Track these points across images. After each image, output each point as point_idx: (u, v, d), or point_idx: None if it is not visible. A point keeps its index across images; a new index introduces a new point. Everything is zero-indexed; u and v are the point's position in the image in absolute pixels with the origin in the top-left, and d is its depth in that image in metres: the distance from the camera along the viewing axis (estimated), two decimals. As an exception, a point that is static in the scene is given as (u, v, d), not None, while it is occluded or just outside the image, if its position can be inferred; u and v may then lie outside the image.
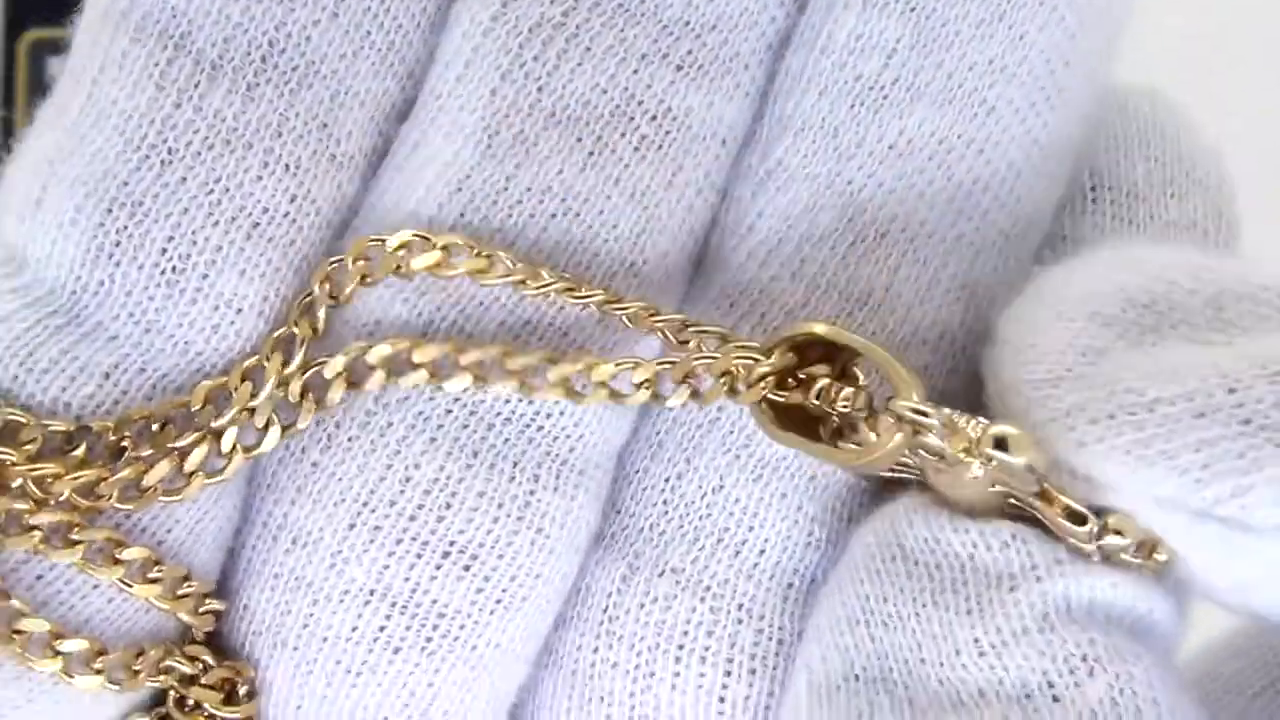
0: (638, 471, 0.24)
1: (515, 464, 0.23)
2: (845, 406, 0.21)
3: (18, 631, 0.22)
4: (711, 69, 0.23)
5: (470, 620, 0.23)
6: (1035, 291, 0.21)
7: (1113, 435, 0.19)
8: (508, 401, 0.23)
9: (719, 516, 0.23)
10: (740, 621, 0.23)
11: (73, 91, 0.22)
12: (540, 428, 0.23)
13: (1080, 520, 0.20)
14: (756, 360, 0.22)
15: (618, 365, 0.22)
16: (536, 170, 0.22)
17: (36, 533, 0.21)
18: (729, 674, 0.23)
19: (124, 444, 0.22)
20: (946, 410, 0.20)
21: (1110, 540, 0.20)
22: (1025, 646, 0.20)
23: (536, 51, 0.22)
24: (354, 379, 0.22)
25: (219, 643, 0.24)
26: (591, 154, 0.23)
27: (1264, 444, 0.18)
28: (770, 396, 0.22)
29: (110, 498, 0.22)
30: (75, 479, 0.21)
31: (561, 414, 0.23)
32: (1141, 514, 0.19)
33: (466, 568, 0.23)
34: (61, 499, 0.22)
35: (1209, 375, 0.19)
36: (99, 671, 0.22)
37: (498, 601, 0.23)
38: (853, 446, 0.22)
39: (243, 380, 0.22)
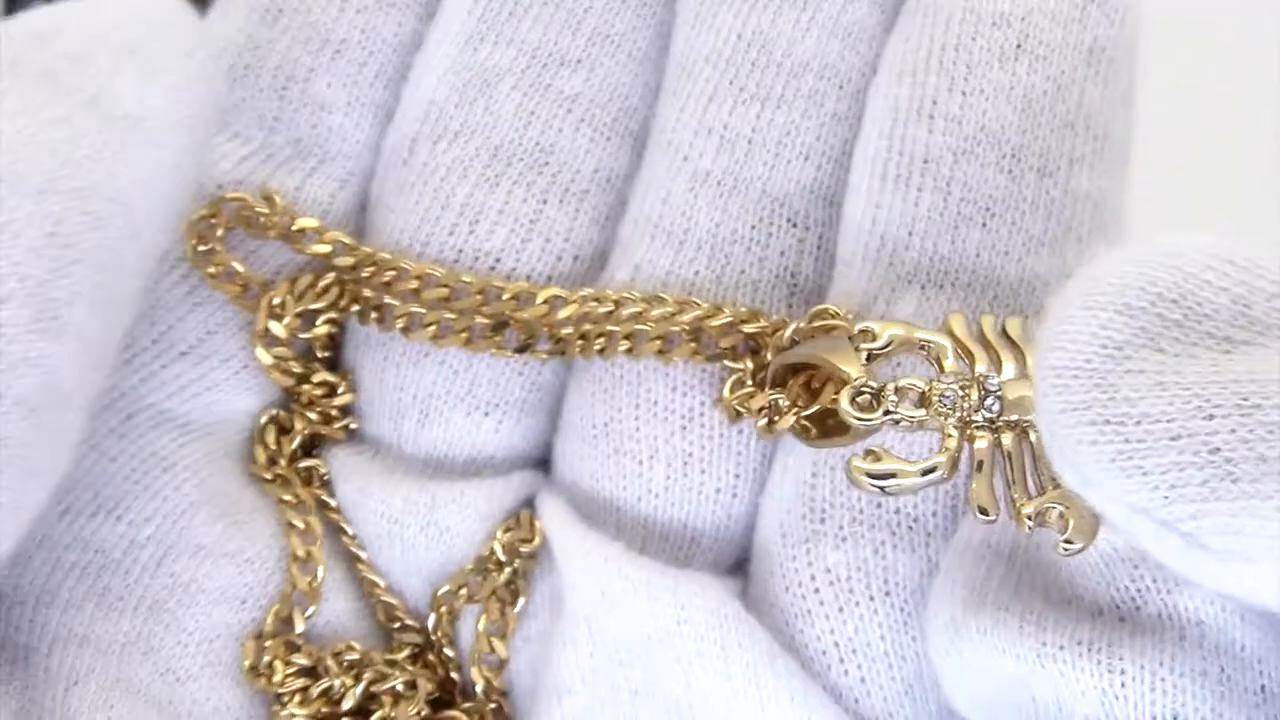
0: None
1: (527, 188, 0.30)
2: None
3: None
4: None
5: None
6: (1080, 276, 0.22)
7: (1104, 441, 0.21)
8: (522, 143, 0.30)
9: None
10: None
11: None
12: (546, 163, 0.30)
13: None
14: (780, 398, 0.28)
15: None
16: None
17: None
18: None
19: None
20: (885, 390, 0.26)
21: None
22: None
23: None
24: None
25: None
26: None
27: (1224, 476, 0.20)
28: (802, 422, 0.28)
29: None
30: None
31: (564, 149, 0.30)
32: (1118, 514, 0.21)
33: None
34: None
35: (1191, 399, 0.20)
36: None
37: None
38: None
39: None
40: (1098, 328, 0.21)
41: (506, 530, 0.30)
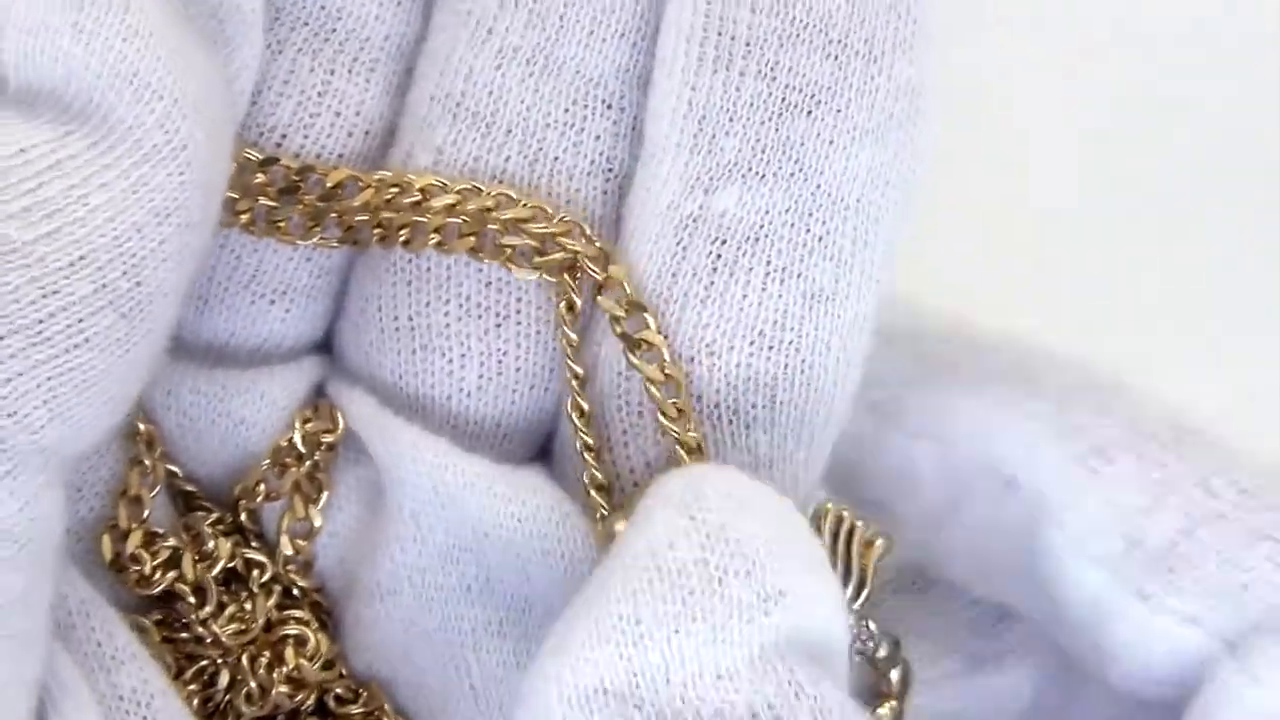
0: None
1: (313, 56, 0.27)
2: None
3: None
4: None
5: None
6: None
7: None
8: (306, 6, 0.27)
9: None
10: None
11: None
12: (333, 29, 0.27)
13: None
14: None
15: None
16: None
17: None
18: None
19: None
20: None
21: None
22: (751, 675, 0.23)
23: None
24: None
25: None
26: None
27: None
28: None
29: None
30: None
31: (352, 15, 0.27)
32: None
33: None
34: None
35: None
36: None
37: None
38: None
39: None
40: None
41: (306, 420, 0.28)
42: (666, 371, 0.27)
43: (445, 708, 0.28)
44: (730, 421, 0.27)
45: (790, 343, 0.27)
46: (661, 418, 0.27)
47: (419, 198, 0.27)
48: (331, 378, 0.29)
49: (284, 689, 0.28)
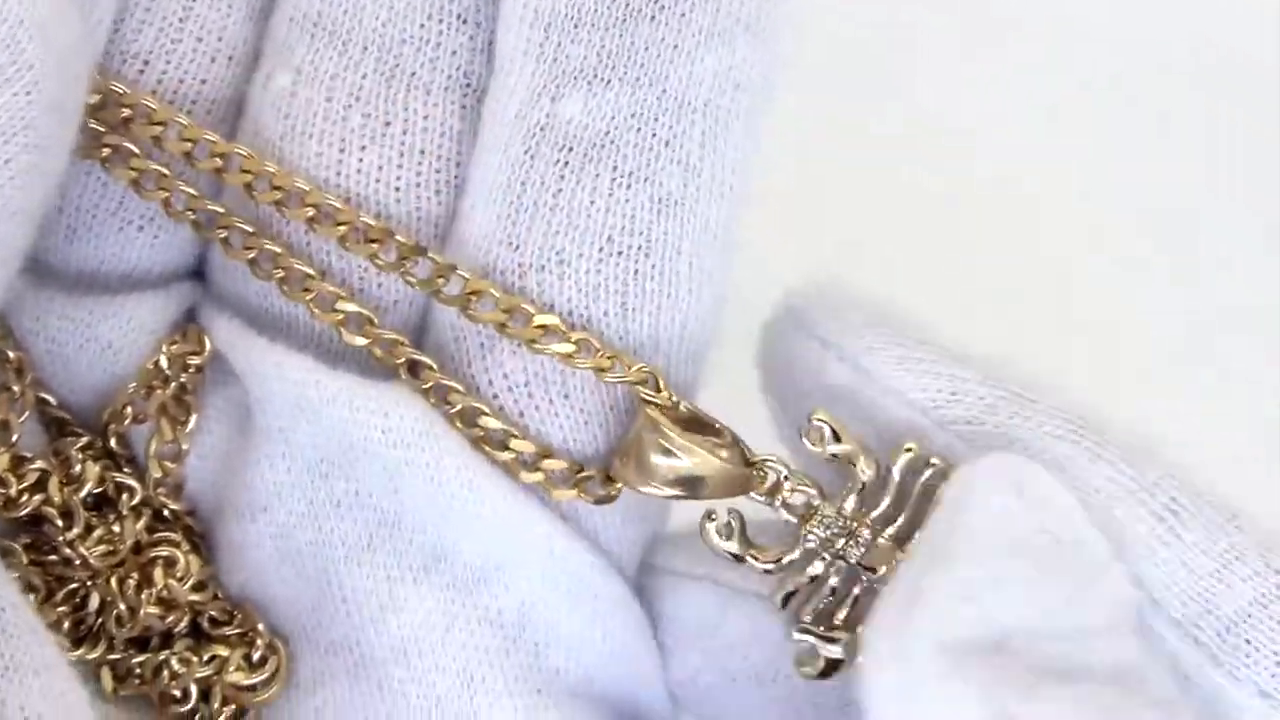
0: None
1: None
2: None
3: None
4: None
5: None
6: None
7: None
8: None
9: None
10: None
11: None
12: None
13: None
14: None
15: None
16: None
17: None
18: None
19: None
20: None
21: None
22: (1109, 632, 0.24)
23: None
24: None
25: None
26: None
27: None
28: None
29: None
30: None
31: None
32: None
33: None
34: None
35: None
36: None
37: None
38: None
39: None
40: None
41: (173, 343, 0.29)
42: (504, 308, 0.27)
43: (319, 623, 0.28)
44: (582, 329, 0.27)
45: (639, 248, 0.27)
46: (528, 347, 0.27)
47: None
48: (203, 303, 0.29)
49: (153, 610, 0.28)
